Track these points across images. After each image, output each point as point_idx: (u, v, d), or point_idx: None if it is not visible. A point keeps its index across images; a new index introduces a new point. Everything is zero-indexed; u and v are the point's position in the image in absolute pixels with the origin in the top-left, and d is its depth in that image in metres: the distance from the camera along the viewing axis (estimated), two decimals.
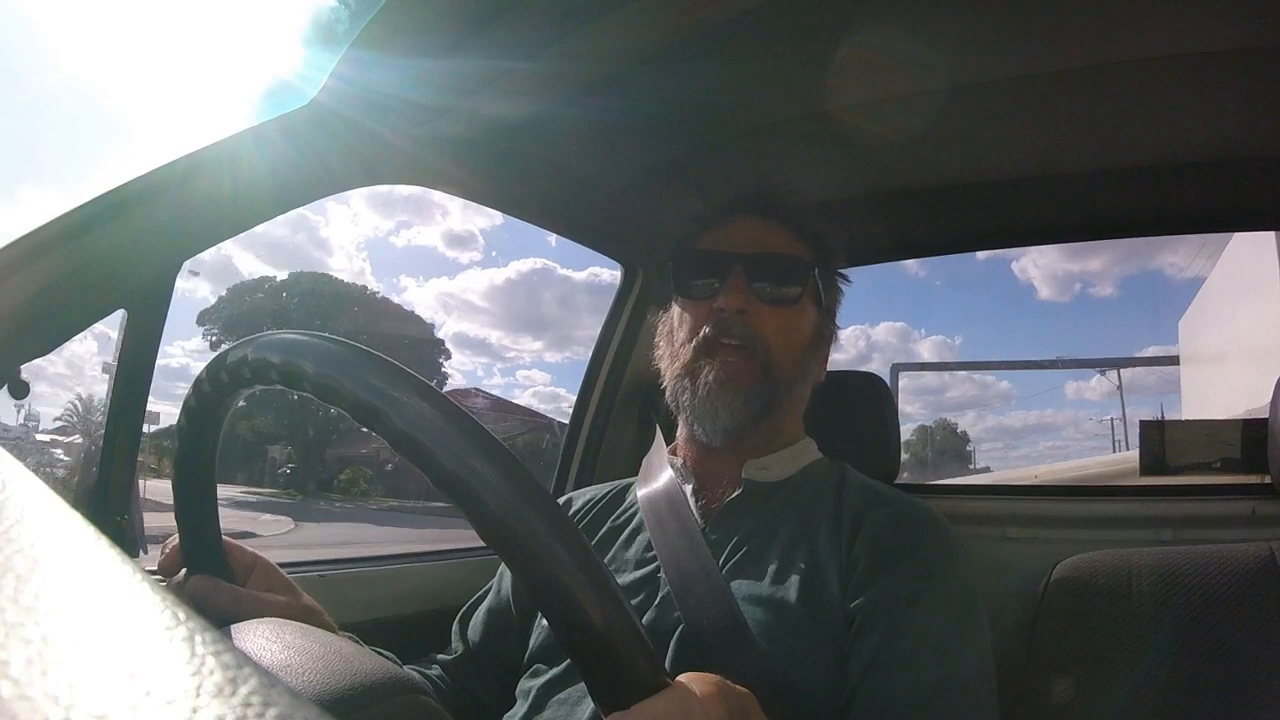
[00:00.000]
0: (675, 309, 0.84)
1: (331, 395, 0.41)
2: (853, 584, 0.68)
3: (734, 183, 0.87)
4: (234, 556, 0.64)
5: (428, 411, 0.39)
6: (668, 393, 0.82)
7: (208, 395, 0.51)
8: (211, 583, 0.59)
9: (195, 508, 0.59)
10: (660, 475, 0.83)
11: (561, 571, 0.36)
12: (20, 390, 0.68)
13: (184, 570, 0.60)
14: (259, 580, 0.64)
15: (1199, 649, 0.82)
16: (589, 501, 0.88)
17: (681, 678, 0.40)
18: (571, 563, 0.36)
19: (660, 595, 0.72)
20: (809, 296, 0.82)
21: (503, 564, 0.88)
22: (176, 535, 0.61)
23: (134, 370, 0.78)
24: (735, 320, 0.77)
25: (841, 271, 0.88)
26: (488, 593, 0.88)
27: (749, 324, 0.77)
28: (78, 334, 0.71)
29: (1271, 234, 3.62)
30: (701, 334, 0.78)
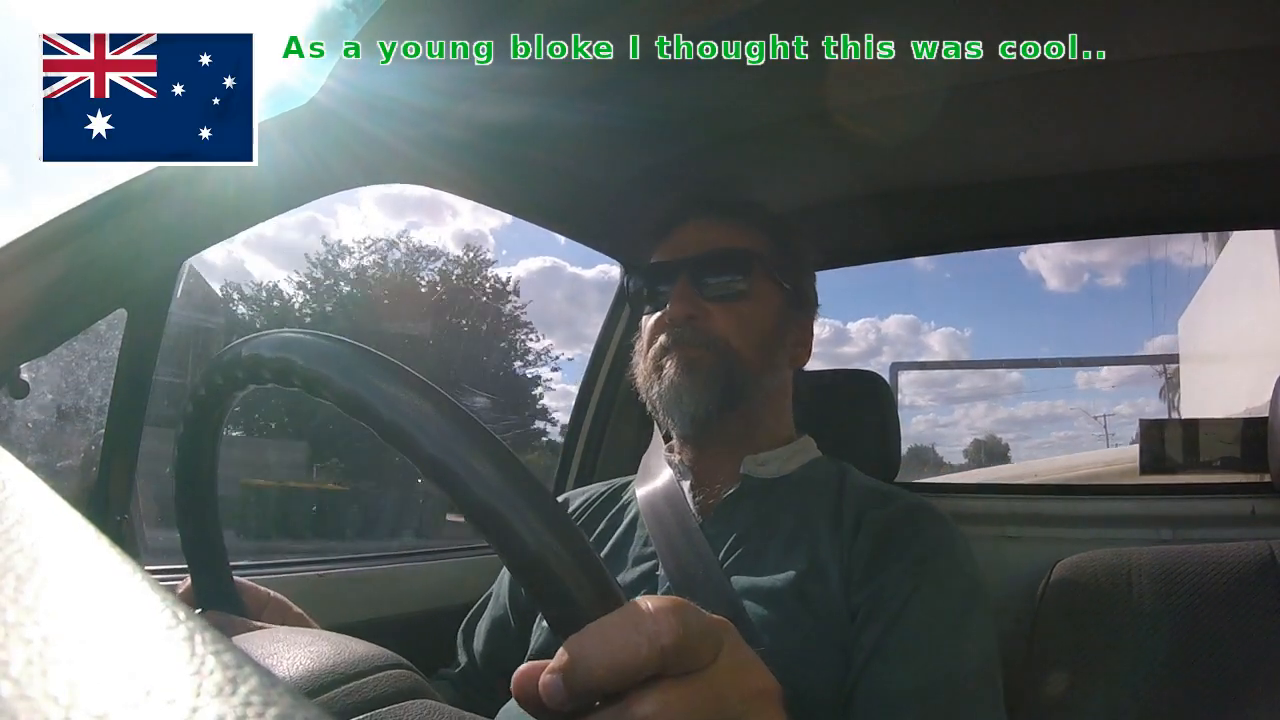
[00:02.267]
0: (641, 325, 0.86)
1: (320, 388, 0.41)
2: (854, 579, 0.68)
3: (733, 182, 0.87)
4: (247, 594, 0.63)
5: (358, 358, 0.39)
6: (642, 397, 0.83)
7: (204, 399, 0.51)
8: (226, 619, 0.59)
9: (203, 544, 0.59)
10: (659, 473, 0.83)
11: (502, 502, 0.35)
12: (20, 390, 0.68)
13: (199, 610, 0.60)
14: (272, 616, 0.64)
15: (1199, 648, 0.82)
16: (586, 500, 0.88)
17: (636, 599, 0.38)
18: (513, 493, 0.35)
19: (660, 593, 0.72)
20: (764, 285, 0.81)
21: (501, 570, 0.88)
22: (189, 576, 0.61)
23: (134, 370, 0.78)
24: (686, 326, 0.78)
25: (801, 250, 0.87)
26: (488, 602, 0.88)
27: (700, 328, 0.78)
28: (78, 334, 0.71)
29: (1271, 232, 3.61)
30: (659, 343, 0.79)
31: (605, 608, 0.35)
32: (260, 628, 0.60)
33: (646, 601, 0.36)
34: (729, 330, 0.78)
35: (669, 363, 0.78)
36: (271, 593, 0.66)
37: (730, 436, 0.79)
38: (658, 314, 0.81)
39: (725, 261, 0.80)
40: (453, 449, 0.35)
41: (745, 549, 0.73)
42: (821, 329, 0.89)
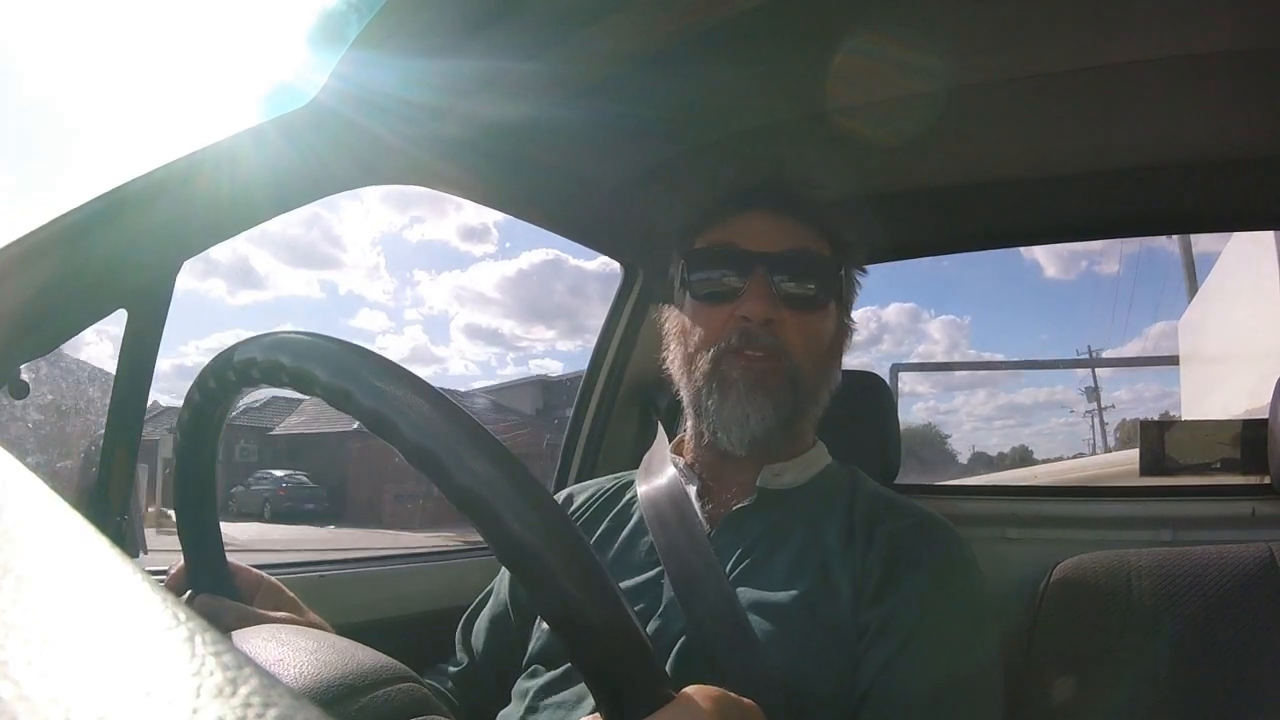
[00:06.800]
0: (688, 308, 0.79)
1: (342, 402, 0.41)
2: (865, 596, 0.67)
3: (733, 183, 0.87)
4: (239, 577, 0.64)
5: (443, 425, 0.38)
6: (687, 402, 0.78)
7: (213, 391, 0.51)
8: (218, 601, 0.59)
9: (197, 527, 0.59)
10: (662, 473, 0.81)
11: (568, 583, 0.36)
12: (20, 390, 0.68)
13: (189, 592, 0.60)
14: (265, 599, 0.64)
15: (1198, 650, 0.82)
16: (591, 496, 0.86)
17: (686, 690, 0.40)
18: (579, 574, 0.36)
19: (665, 601, 0.71)
20: (831, 299, 0.78)
21: (501, 569, 0.88)
22: (181, 558, 0.61)
23: (134, 370, 0.78)
24: (761, 331, 0.72)
25: (860, 266, 0.85)
26: (487, 599, 0.88)
27: (774, 333, 0.73)
28: (78, 334, 0.71)
29: (1271, 234, 3.61)
30: (724, 343, 0.74)
31: (656, 701, 0.38)
32: (253, 613, 0.60)
33: (696, 699, 0.39)
34: (798, 342, 0.74)
35: (737, 374, 0.73)
36: (265, 575, 0.66)
37: (763, 453, 0.76)
38: (723, 305, 0.75)
39: (809, 267, 0.76)
40: (541, 534, 0.37)
41: (753, 560, 0.72)
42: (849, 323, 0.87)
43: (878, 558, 0.69)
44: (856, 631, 0.66)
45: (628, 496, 0.84)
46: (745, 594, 0.69)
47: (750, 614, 0.67)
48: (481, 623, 0.86)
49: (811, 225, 0.78)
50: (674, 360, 0.81)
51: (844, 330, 0.83)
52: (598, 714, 0.39)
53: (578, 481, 1.32)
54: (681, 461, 0.81)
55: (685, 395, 0.79)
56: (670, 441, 0.86)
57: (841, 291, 0.80)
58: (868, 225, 1.11)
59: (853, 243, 0.82)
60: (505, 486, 0.37)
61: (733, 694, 0.43)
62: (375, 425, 0.40)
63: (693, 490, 0.78)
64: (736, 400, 0.73)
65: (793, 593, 0.68)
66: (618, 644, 0.37)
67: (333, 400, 0.41)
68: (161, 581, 0.61)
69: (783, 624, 0.66)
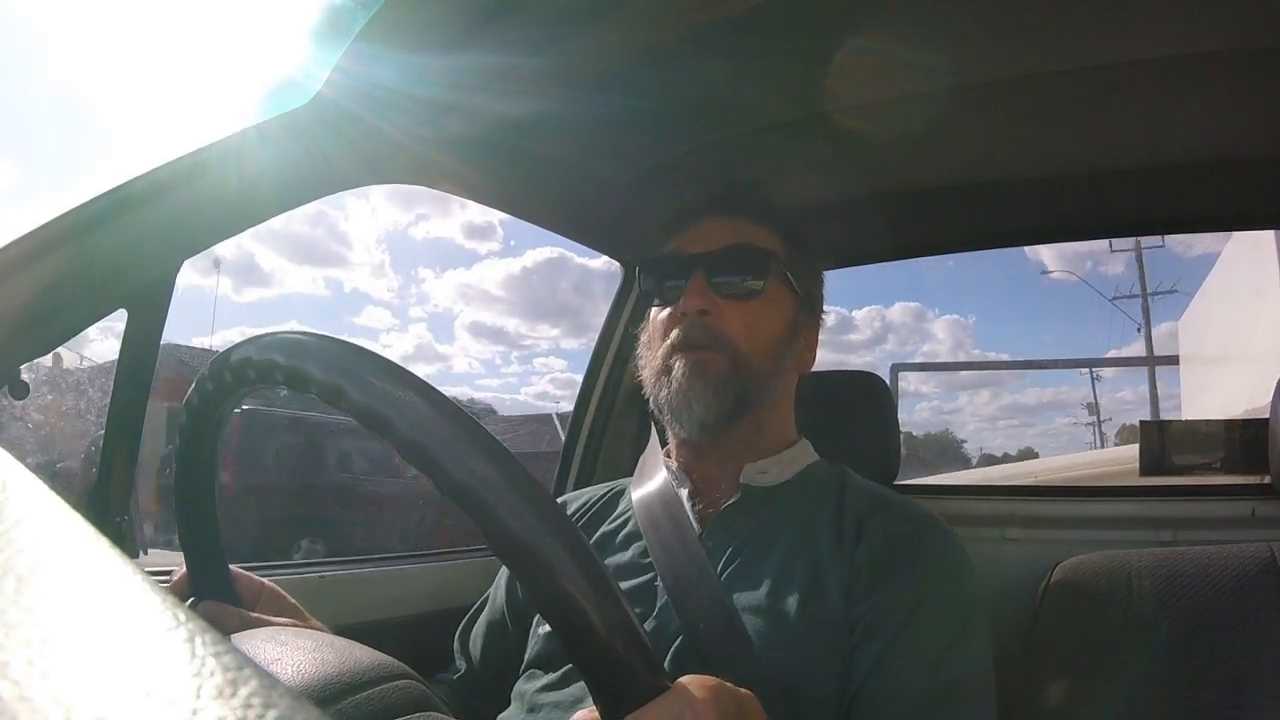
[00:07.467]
0: (650, 318, 0.84)
1: (338, 399, 0.41)
2: (855, 591, 0.67)
3: (752, 180, 0.87)
4: (241, 583, 0.64)
5: (435, 419, 0.39)
6: (649, 397, 0.82)
7: (211, 394, 0.51)
8: (220, 608, 0.59)
9: (199, 533, 0.60)
10: (655, 477, 0.82)
11: (563, 576, 0.36)
12: (20, 390, 0.68)
13: (192, 599, 0.60)
14: (267, 606, 0.64)
15: (1198, 650, 0.82)
16: (585, 504, 0.87)
17: (681, 680, 0.40)
18: (574, 567, 0.37)
19: (659, 604, 0.71)
20: (778, 286, 0.80)
21: (498, 574, 0.88)
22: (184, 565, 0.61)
23: (134, 370, 0.78)
24: (698, 322, 0.77)
25: (815, 255, 0.87)
26: (484, 604, 0.88)
27: (711, 325, 0.77)
28: (78, 334, 0.71)
29: (1271, 234, 3.61)
30: (670, 339, 0.78)
31: (650, 692, 0.38)
32: (256, 619, 0.60)
33: (690, 688, 0.40)
34: (740, 331, 0.77)
35: (678, 365, 0.77)
36: (266, 582, 0.66)
37: (734, 443, 0.78)
38: (669, 308, 0.80)
39: (743, 259, 0.79)
40: (522, 517, 0.37)
41: (743, 560, 0.72)
42: (825, 316, 0.88)
43: (868, 553, 0.69)
44: (847, 627, 0.66)
45: (622, 503, 0.85)
46: (737, 595, 0.69)
47: (744, 615, 0.67)
48: (479, 629, 0.86)
49: (758, 223, 0.82)
50: (643, 367, 0.84)
51: (803, 319, 0.83)
52: (595, 707, 0.39)
53: (578, 481, 1.32)
54: (674, 464, 0.82)
55: (648, 394, 0.82)
56: (664, 445, 0.86)
57: (792, 281, 0.81)
58: (823, 220, 1.13)
59: (803, 233, 0.85)
60: (497, 478, 0.37)
61: (728, 684, 0.44)
62: (369, 421, 0.40)
63: (684, 492, 0.79)
64: (677, 388, 0.76)
65: (784, 592, 0.68)
66: (612, 635, 0.37)
67: (327, 397, 0.42)
68: (162, 582, 0.61)
69: (776, 624, 0.67)
